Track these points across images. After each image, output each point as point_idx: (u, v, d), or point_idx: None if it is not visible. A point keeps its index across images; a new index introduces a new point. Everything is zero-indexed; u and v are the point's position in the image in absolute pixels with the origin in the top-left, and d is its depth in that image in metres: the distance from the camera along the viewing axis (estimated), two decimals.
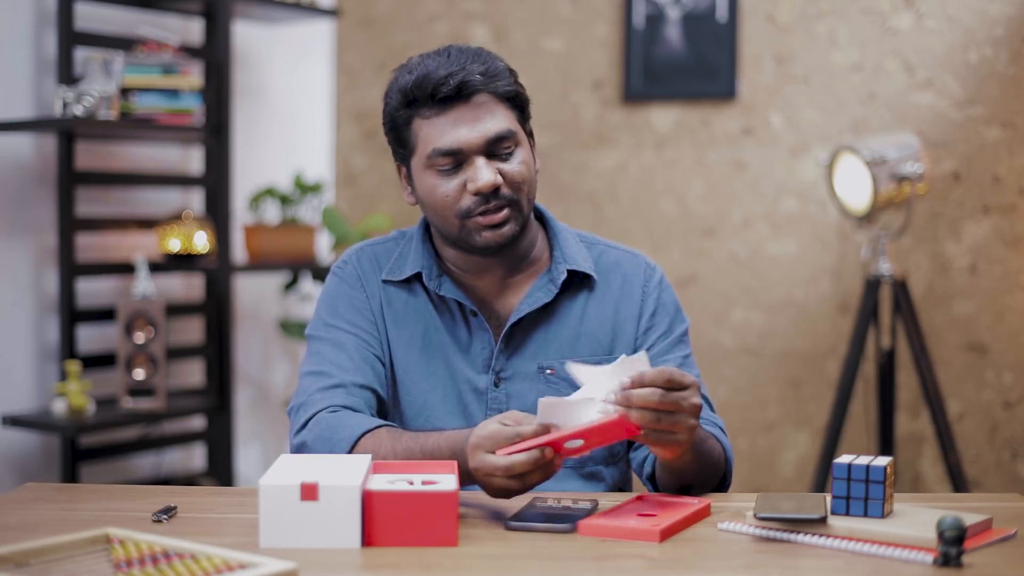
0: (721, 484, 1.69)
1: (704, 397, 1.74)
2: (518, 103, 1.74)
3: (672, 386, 1.45)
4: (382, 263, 1.82)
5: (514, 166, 1.70)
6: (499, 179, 1.68)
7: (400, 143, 1.75)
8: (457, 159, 1.69)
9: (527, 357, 1.76)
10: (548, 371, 1.76)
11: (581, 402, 1.46)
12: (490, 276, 1.78)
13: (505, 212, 1.70)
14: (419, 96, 1.69)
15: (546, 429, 1.45)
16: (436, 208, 1.72)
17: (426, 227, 1.82)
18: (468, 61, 1.69)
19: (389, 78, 1.75)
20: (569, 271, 1.78)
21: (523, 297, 1.77)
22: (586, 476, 1.77)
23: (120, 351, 3.04)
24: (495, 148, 1.69)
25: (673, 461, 1.58)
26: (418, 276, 1.79)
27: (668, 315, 1.81)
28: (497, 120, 1.69)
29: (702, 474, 1.63)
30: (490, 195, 1.68)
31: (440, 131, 1.68)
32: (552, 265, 1.79)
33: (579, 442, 1.45)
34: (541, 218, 1.85)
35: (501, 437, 1.45)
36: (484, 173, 1.67)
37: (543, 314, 1.77)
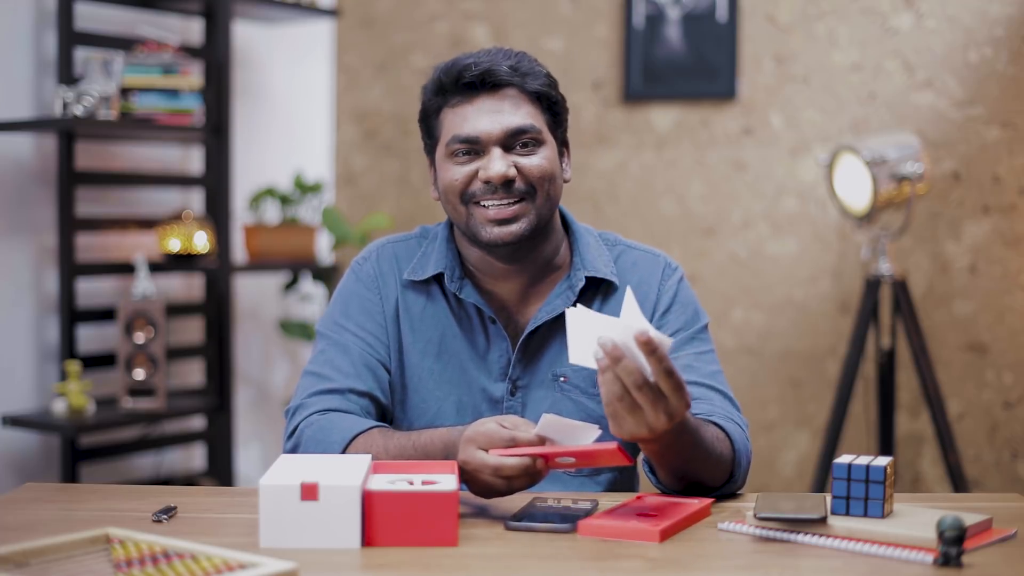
0: (729, 482, 1.62)
1: (727, 395, 1.72)
2: (550, 106, 1.72)
3: (663, 376, 1.38)
4: (403, 262, 1.80)
5: (532, 161, 1.68)
6: (512, 171, 1.66)
7: (429, 133, 1.75)
8: (474, 147, 1.68)
9: (544, 365, 1.74)
10: (561, 379, 1.74)
11: (581, 426, 1.46)
12: (512, 282, 1.76)
13: (516, 208, 1.67)
14: (447, 83, 1.69)
15: (541, 441, 1.45)
16: (447, 195, 1.71)
17: (451, 226, 1.80)
18: (503, 57, 1.70)
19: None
20: (588, 277, 1.75)
21: (542, 305, 1.75)
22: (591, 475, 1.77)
23: (120, 351, 3.04)
24: (514, 141, 1.68)
25: (650, 453, 1.53)
26: (438, 278, 1.77)
27: (683, 312, 1.77)
28: (520, 115, 1.68)
29: (696, 466, 1.57)
30: (501, 187, 1.66)
31: (462, 119, 1.69)
32: (571, 271, 1.76)
33: (570, 459, 1.46)
34: (565, 223, 1.82)
35: (497, 438, 1.45)
36: (496, 163, 1.66)
37: (560, 321, 1.70)
